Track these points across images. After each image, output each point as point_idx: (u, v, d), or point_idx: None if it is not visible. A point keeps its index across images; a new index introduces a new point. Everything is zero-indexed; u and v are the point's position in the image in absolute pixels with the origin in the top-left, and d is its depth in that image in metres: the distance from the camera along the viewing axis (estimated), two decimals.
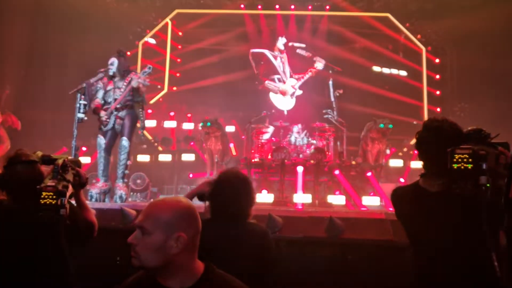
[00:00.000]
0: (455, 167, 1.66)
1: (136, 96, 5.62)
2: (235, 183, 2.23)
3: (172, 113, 9.75)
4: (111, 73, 5.66)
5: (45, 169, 2.11)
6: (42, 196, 1.79)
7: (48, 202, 1.78)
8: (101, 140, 5.61)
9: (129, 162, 5.70)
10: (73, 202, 2.23)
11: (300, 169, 6.53)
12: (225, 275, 1.49)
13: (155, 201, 1.51)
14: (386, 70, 9.81)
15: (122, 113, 5.59)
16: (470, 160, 1.65)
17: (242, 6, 10.23)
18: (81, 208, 2.24)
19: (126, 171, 5.68)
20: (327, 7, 10.10)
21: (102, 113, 5.56)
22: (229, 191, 2.20)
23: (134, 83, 5.49)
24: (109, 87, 5.66)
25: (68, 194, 1.88)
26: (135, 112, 5.64)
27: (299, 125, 7.42)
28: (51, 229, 1.98)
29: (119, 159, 5.61)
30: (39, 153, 2.15)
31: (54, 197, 1.79)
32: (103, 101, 5.63)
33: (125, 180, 5.78)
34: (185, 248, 1.40)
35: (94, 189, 5.48)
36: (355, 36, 10.13)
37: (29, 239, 2.01)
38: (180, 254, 1.40)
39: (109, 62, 5.67)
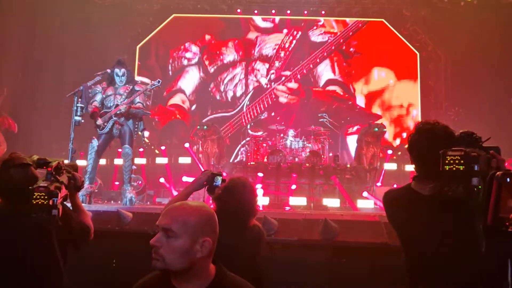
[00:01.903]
0: (447, 169, 1.65)
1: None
2: (242, 193, 2.29)
3: None
4: (121, 84, 5.72)
5: (40, 172, 2.10)
6: (34, 197, 1.77)
7: (40, 203, 1.77)
8: (95, 142, 5.65)
9: (133, 167, 5.86)
10: (69, 205, 2.24)
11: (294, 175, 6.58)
12: (236, 277, 1.49)
13: (181, 204, 1.47)
14: None
15: (121, 120, 5.65)
16: (462, 161, 1.64)
17: (238, 11, 10.28)
18: (77, 211, 2.24)
19: (132, 175, 5.83)
20: (323, 12, 10.17)
21: (99, 121, 5.60)
22: (235, 200, 2.26)
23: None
24: (109, 92, 5.72)
25: (61, 195, 1.87)
26: (134, 120, 5.75)
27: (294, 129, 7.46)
28: (44, 230, 1.97)
29: (124, 165, 5.72)
30: (35, 157, 2.13)
31: (45, 197, 1.77)
32: (100, 105, 5.69)
33: (132, 183, 5.90)
34: (208, 252, 1.42)
35: (80, 191, 5.51)
36: (350, 41, 10.21)
37: (22, 241, 2.00)
38: (202, 258, 1.41)
39: (120, 73, 5.72)
